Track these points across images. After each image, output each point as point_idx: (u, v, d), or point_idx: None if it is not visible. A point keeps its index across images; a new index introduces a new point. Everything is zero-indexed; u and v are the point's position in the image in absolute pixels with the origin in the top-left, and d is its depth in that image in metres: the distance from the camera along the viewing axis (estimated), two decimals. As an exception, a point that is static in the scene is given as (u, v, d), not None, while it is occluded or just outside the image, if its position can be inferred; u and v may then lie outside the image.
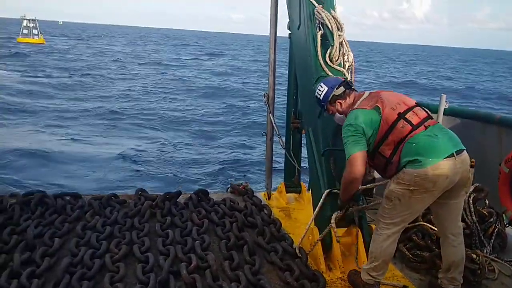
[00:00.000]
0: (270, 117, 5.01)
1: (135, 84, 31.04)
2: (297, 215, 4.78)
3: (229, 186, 5.36)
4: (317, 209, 3.72)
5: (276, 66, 5.02)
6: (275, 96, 5.09)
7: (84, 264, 3.32)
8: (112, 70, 38.76)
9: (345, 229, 3.79)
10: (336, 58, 4.00)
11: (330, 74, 3.94)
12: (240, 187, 5.12)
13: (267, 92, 5.02)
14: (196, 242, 3.74)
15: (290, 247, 3.80)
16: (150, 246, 3.69)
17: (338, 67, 4.00)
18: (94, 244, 3.62)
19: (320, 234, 3.62)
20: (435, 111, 4.92)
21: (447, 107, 4.92)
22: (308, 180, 4.68)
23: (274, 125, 4.98)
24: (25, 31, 74.34)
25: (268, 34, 4.94)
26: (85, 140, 15.26)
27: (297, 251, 3.69)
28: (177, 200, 4.65)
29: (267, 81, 5.09)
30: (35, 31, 74.54)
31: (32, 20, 74.22)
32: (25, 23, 74.49)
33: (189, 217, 4.28)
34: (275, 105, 5.11)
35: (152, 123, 18.77)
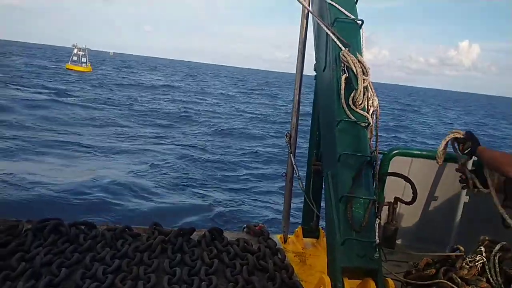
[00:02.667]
0: (290, 158, 4.92)
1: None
2: (313, 262, 4.60)
3: (245, 226, 5.25)
4: (330, 258, 3.55)
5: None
6: (298, 136, 5.01)
7: None
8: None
9: (360, 281, 3.60)
10: (360, 102, 3.90)
11: (352, 118, 3.84)
12: (257, 227, 5.00)
13: (289, 132, 4.95)
14: (203, 283, 3.62)
15: None
16: (156, 283, 3.60)
17: (361, 111, 3.89)
18: (99, 277, 3.56)
19: (332, 284, 3.44)
20: None
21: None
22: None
23: (294, 166, 4.88)
24: (74, 58, 78.32)
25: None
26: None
27: None
28: (191, 236, 4.57)
29: None
30: (83, 59, 78.39)
31: (82, 48, 78.18)
32: (75, 51, 78.60)
33: (200, 255, 4.18)
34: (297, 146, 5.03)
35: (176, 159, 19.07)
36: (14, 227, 4.12)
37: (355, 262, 3.45)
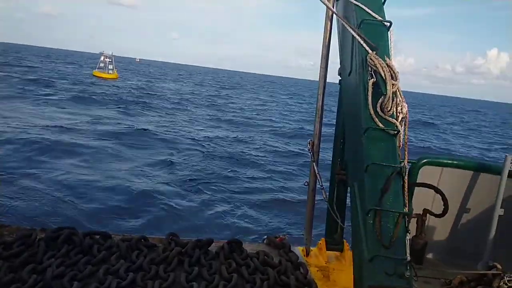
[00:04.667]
0: (313, 166, 4.68)
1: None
2: (337, 277, 4.35)
3: (265, 237, 5.03)
4: (356, 276, 3.31)
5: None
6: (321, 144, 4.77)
7: None
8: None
9: None
10: (389, 108, 3.65)
11: (380, 125, 3.59)
12: (277, 239, 4.77)
13: (312, 139, 4.73)
14: None
15: None
16: None
17: (389, 118, 3.63)
18: None
19: None
20: (498, 172, 4.41)
21: None
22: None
23: (317, 175, 4.64)
24: (101, 65, 79.95)
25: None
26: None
27: None
28: (209, 248, 4.38)
29: None
30: (110, 66, 79.92)
31: (109, 56, 79.77)
32: (102, 58, 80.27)
33: (218, 269, 3.98)
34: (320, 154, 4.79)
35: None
36: (27, 236, 4.00)
37: (384, 281, 3.19)
